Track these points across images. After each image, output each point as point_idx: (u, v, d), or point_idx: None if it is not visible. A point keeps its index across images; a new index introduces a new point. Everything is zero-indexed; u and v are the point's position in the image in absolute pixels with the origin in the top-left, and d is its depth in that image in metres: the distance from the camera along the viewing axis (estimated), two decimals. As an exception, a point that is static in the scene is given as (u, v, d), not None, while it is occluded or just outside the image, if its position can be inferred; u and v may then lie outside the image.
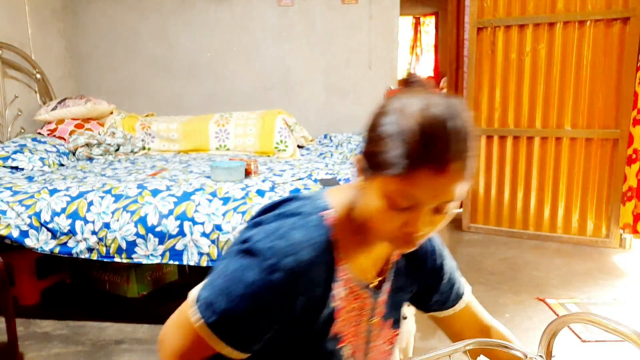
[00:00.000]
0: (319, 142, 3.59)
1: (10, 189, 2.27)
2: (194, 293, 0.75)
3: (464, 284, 0.98)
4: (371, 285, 0.82)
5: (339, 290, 0.77)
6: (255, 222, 0.77)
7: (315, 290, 0.73)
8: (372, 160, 0.69)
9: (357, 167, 0.73)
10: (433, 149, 0.63)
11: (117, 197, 2.15)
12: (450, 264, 0.95)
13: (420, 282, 0.92)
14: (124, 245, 2.10)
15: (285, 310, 0.72)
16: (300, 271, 0.70)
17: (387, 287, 0.85)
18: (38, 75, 3.47)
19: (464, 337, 0.95)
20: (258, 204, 2.08)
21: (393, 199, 0.66)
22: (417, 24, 7.86)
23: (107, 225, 2.11)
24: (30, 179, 2.54)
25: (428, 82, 0.74)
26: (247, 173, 2.46)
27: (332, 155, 3.14)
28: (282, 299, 0.71)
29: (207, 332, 0.72)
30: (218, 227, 2.05)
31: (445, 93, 0.73)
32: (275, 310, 0.71)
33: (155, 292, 2.68)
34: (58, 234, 2.15)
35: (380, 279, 0.83)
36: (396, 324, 0.90)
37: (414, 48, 7.96)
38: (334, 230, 0.74)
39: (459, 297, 0.97)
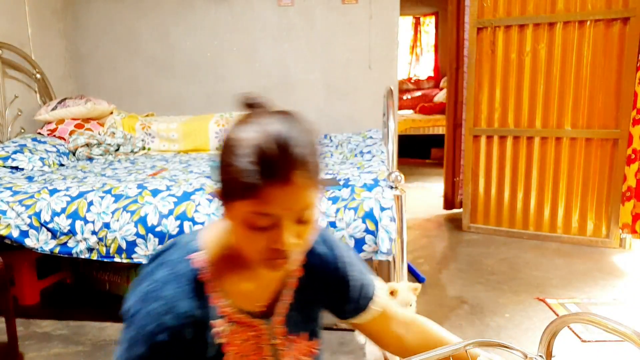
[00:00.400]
0: (319, 142, 3.59)
1: (10, 189, 2.27)
2: None
3: (375, 287, 0.97)
4: (258, 311, 0.83)
5: (223, 327, 0.79)
6: (136, 281, 0.79)
7: (200, 332, 0.76)
8: (225, 189, 0.71)
9: (217, 199, 0.75)
10: (273, 165, 0.66)
11: (117, 197, 2.15)
12: (357, 270, 0.93)
13: (327, 293, 0.91)
14: (124, 245, 2.10)
15: (184, 358, 0.75)
16: (182, 324, 0.73)
17: (282, 307, 0.85)
18: (38, 75, 3.47)
19: (385, 341, 0.97)
20: (258, 204, 2.08)
21: (251, 220, 0.69)
22: (417, 24, 7.85)
23: (107, 225, 2.11)
24: (30, 179, 2.54)
25: (267, 101, 0.76)
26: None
27: (332, 155, 3.13)
28: (176, 354, 0.74)
29: None
30: (218, 227, 2.04)
31: (282, 109, 0.74)
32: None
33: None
34: (58, 234, 2.15)
35: (266, 304, 0.84)
36: (313, 335, 0.91)
37: (414, 48, 7.96)
38: (204, 270, 0.77)
39: (371, 301, 0.95)
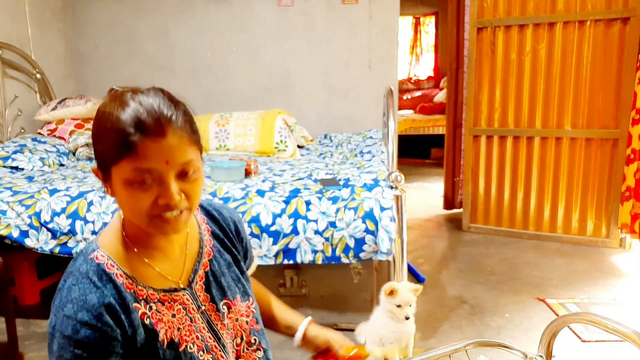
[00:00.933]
0: (319, 142, 3.59)
1: (10, 189, 2.27)
2: None
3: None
4: (180, 286, 0.86)
5: (148, 307, 0.81)
6: (53, 302, 0.81)
7: (121, 319, 0.77)
8: (102, 159, 0.76)
9: (99, 180, 0.80)
10: (145, 122, 0.72)
11: (117, 197, 2.15)
12: (244, 230, 1.02)
13: (235, 250, 0.97)
14: (124, 245, 2.10)
15: (114, 347, 0.75)
16: (97, 314, 0.74)
17: (200, 275, 0.89)
18: (38, 75, 3.47)
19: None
20: (258, 203, 2.09)
21: (133, 179, 0.73)
22: (417, 24, 7.85)
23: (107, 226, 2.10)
24: (30, 179, 2.54)
25: (126, 88, 0.80)
26: (247, 173, 2.46)
27: (332, 155, 3.14)
28: (104, 347, 0.75)
29: None
30: (218, 227, 2.04)
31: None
32: (105, 353, 0.75)
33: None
34: (58, 234, 2.15)
35: (186, 278, 0.88)
36: (245, 294, 0.95)
37: (414, 48, 7.96)
38: (108, 262, 0.79)
39: (251, 260, 1.05)
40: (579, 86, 3.22)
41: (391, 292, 1.77)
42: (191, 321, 0.86)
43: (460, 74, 3.90)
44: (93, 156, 0.81)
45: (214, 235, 0.95)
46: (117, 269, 0.80)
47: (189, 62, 3.89)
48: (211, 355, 0.86)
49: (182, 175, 0.76)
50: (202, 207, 0.98)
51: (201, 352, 0.85)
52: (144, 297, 0.81)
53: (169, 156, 0.73)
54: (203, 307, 0.88)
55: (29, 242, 2.17)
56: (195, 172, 0.77)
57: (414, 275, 2.84)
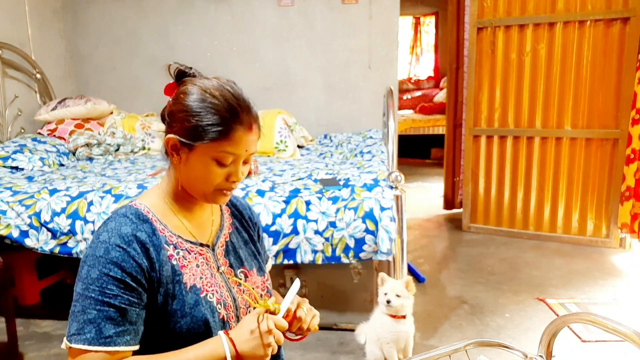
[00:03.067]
0: (319, 142, 3.59)
1: (10, 189, 2.27)
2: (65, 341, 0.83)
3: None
4: (206, 243, 0.97)
5: (176, 252, 0.90)
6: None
7: (149, 252, 0.86)
8: (192, 135, 0.86)
9: (167, 148, 0.90)
10: (241, 114, 0.87)
11: (117, 197, 2.15)
12: (258, 219, 1.15)
13: (251, 230, 1.09)
14: (124, 245, 2.10)
15: (140, 271, 0.84)
16: (128, 240, 0.84)
17: (221, 241, 1.00)
18: (38, 75, 3.47)
19: None
20: (258, 203, 2.09)
21: (219, 158, 0.87)
22: (417, 24, 7.85)
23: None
24: (30, 179, 2.54)
25: (196, 72, 0.96)
26: (247, 173, 2.46)
27: (332, 155, 3.14)
28: (131, 265, 0.83)
29: (94, 348, 0.79)
30: (218, 227, 2.04)
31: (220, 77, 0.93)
32: (134, 274, 0.83)
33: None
34: (58, 234, 2.15)
35: (209, 239, 0.98)
36: (261, 270, 1.05)
37: (414, 48, 7.95)
38: (146, 209, 0.91)
39: (266, 259, 1.15)
40: (579, 86, 3.22)
41: (382, 281, 1.85)
42: (212, 276, 0.94)
43: (460, 74, 3.90)
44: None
45: (233, 215, 1.07)
46: (153, 215, 0.91)
47: (189, 62, 3.81)
48: (227, 313, 0.92)
49: (246, 160, 0.92)
50: None
51: (219, 305, 0.91)
52: (174, 242, 0.91)
53: (249, 146, 0.89)
54: (222, 269, 0.97)
55: (29, 242, 2.17)
56: (251, 158, 0.94)
57: (414, 275, 2.84)
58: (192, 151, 0.87)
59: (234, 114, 0.86)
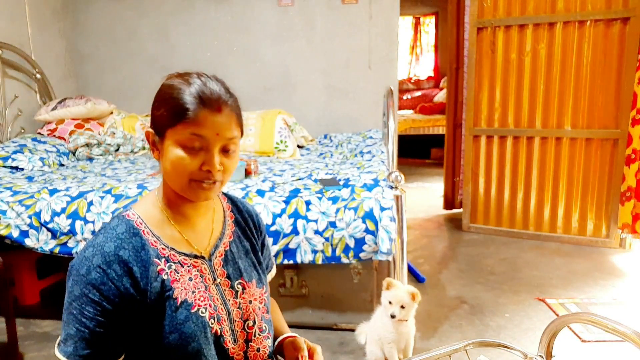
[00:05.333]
0: (319, 142, 3.59)
1: (10, 189, 2.27)
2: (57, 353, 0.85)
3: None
4: (201, 254, 0.94)
5: (167, 266, 0.88)
6: None
7: (133, 271, 0.84)
8: (160, 123, 0.86)
9: (149, 143, 0.90)
10: (206, 95, 0.84)
11: (117, 197, 2.15)
12: (264, 225, 1.12)
13: (254, 239, 1.06)
14: (124, 245, 2.10)
15: (118, 294, 0.82)
16: (109, 261, 0.83)
17: (219, 250, 0.97)
18: (38, 75, 3.47)
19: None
20: (258, 204, 2.09)
21: (185, 142, 0.84)
22: (417, 24, 7.85)
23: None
24: (30, 179, 2.54)
25: (190, 71, 0.92)
26: (247, 173, 2.46)
27: (332, 155, 3.14)
28: (109, 287, 0.82)
29: None
30: (218, 227, 2.04)
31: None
32: (111, 297, 0.82)
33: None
34: (58, 234, 2.15)
35: (207, 249, 0.95)
36: (260, 282, 1.02)
37: (414, 48, 7.95)
38: (138, 220, 0.89)
39: (271, 266, 1.15)
40: (579, 86, 3.22)
41: (388, 286, 1.79)
42: (206, 289, 0.91)
43: (460, 74, 3.90)
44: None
45: (236, 222, 1.04)
46: (145, 227, 0.89)
47: (190, 62, 3.89)
48: (220, 327, 0.91)
49: (225, 150, 0.88)
50: (228, 197, 1.08)
51: (212, 320, 0.90)
52: (166, 256, 0.89)
53: (220, 129, 0.85)
54: (219, 280, 0.94)
55: (29, 242, 2.17)
56: (235, 150, 0.90)
57: (414, 275, 2.84)
58: (163, 141, 0.87)
59: (198, 96, 0.84)
